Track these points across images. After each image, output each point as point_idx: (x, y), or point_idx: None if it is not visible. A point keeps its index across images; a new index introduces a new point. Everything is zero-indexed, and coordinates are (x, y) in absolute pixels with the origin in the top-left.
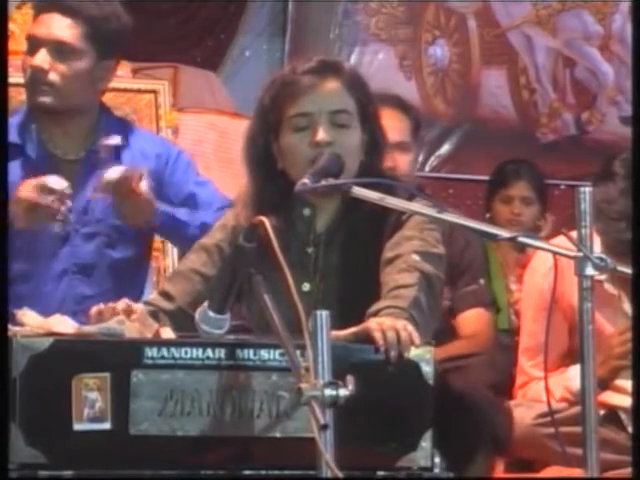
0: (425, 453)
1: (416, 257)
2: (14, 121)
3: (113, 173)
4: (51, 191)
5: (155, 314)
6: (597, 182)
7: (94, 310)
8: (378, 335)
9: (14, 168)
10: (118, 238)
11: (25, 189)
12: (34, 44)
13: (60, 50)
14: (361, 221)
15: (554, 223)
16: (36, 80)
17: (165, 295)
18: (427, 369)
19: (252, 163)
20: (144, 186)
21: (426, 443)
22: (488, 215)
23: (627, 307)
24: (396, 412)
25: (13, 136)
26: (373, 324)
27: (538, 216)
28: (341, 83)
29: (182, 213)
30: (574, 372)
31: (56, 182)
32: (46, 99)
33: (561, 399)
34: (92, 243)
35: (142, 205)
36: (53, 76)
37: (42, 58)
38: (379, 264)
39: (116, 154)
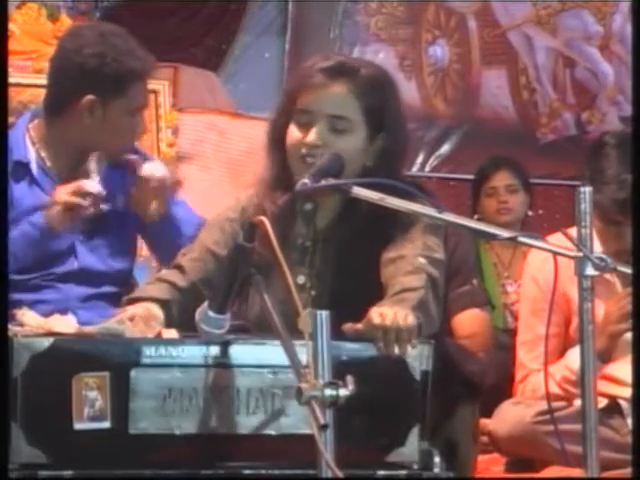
0: (413, 448)
1: (422, 260)
2: (18, 135)
3: (156, 170)
4: (87, 194)
5: (166, 304)
6: (589, 160)
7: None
8: (379, 335)
9: (22, 186)
10: (119, 249)
11: (62, 192)
12: None
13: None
14: (360, 220)
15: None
16: None
17: (179, 268)
18: (414, 364)
19: (270, 142)
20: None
21: (414, 438)
22: (476, 217)
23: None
24: (383, 407)
25: (21, 154)
26: (376, 318)
27: (526, 206)
28: (348, 88)
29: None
30: (573, 353)
31: (92, 186)
32: None
33: (562, 380)
34: (95, 253)
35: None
36: None
37: None
38: (377, 264)
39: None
